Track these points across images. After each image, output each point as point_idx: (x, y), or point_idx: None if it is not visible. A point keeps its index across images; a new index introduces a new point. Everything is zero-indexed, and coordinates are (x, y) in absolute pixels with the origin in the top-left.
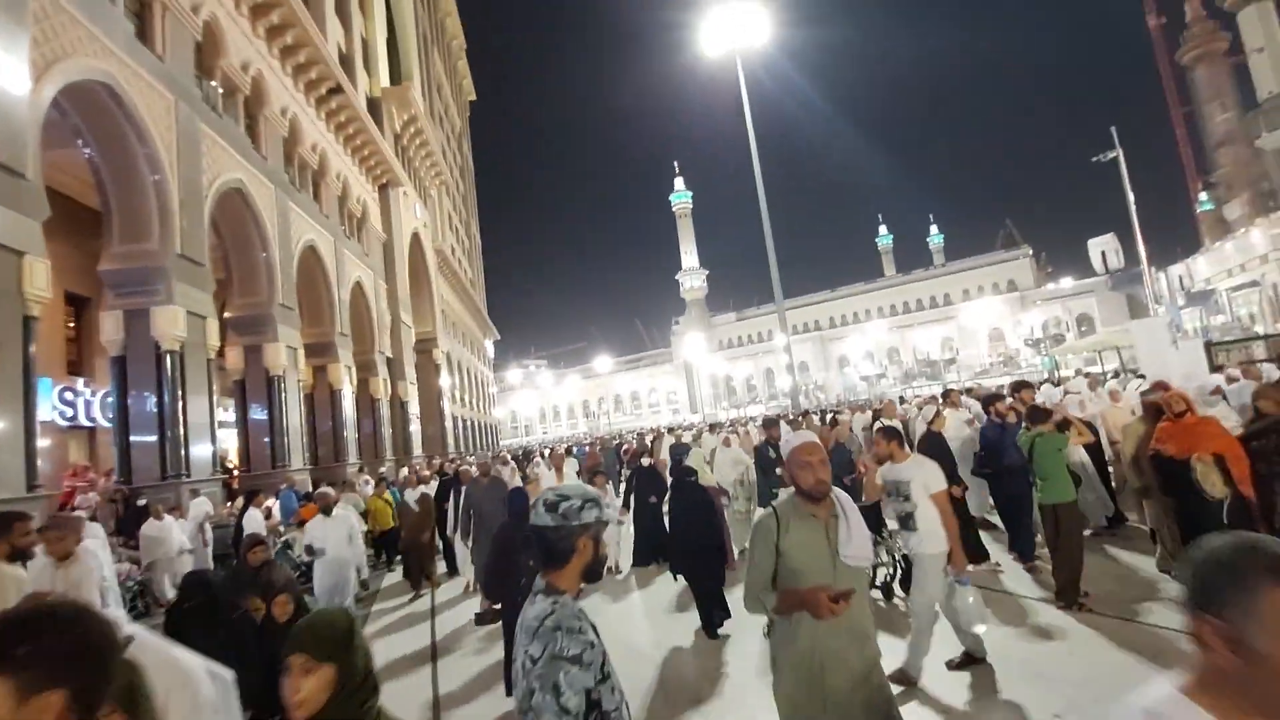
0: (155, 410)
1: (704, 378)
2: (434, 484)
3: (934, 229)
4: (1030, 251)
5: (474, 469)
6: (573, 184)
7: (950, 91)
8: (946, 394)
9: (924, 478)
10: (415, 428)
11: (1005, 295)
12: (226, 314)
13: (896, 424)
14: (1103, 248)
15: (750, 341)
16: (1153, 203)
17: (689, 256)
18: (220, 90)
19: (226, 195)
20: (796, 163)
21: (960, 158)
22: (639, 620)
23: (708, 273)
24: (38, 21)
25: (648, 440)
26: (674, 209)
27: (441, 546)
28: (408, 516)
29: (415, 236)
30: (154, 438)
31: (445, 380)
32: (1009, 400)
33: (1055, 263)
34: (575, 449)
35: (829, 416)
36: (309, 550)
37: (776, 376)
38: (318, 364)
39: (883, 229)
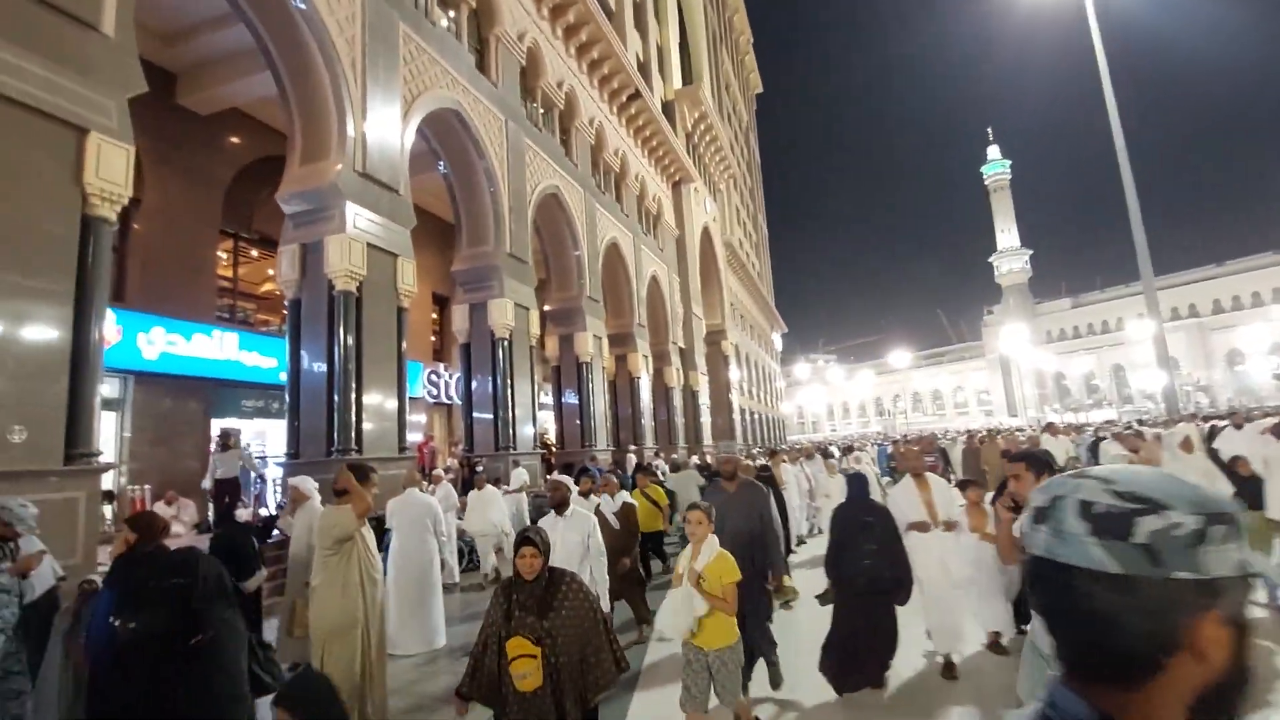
0: (490, 390)
1: (1026, 374)
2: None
3: None
4: None
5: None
6: (864, 166)
7: None
8: None
9: None
10: (705, 418)
11: None
12: (546, 307)
13: None
14: None
15: (1090, 332)
16: None
17: (1006, 235)
18: (539, 108)
19: (544, 200)
20: (1158, 102)
21: None
22: None
23: (1030, 253)
24: (405, 64)
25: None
26: (987, 181)
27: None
28: (606, 534)
29: (705, 231)
30: (489, 415)
31: (734, 372)
32: None
33: None
34: (878, 447)
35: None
36: None
37: (1130, 374)
38: (619, 353)
39: None
